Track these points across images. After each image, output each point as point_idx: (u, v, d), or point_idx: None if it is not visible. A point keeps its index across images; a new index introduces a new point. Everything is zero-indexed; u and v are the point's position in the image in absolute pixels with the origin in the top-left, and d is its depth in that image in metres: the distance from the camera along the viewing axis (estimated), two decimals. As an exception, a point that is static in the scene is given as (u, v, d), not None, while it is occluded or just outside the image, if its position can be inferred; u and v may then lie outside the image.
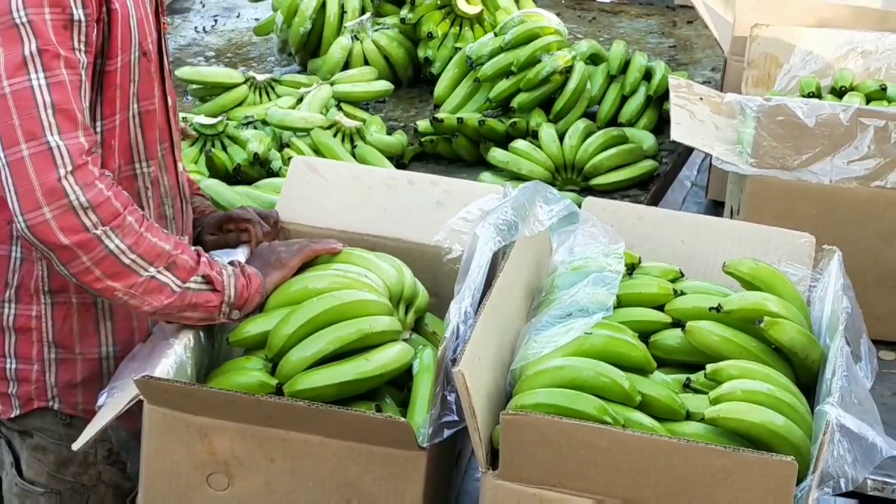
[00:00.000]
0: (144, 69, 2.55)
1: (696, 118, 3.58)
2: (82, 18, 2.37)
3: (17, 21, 2.31)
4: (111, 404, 2.45)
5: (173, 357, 2.50)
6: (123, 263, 2.39)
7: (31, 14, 2.32)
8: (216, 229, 2.90)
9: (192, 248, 2.53)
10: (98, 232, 2.34)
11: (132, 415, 2.43)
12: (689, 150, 4.49)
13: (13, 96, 2.31)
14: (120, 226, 2.36)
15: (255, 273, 2.62)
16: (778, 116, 3.29)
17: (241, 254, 2.77)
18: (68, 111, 2.32)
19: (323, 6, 4.96)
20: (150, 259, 2.42)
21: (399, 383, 2.63)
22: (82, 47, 2.38)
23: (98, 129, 2.50)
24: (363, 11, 4.99)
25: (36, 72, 2.32)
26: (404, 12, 4.85)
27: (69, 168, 2.30)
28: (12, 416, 2.67)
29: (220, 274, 2.54)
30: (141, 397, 2.38)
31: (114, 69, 2.48)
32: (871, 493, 2.89)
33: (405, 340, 2.66)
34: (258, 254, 2.74)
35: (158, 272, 2.44)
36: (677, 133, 3.46)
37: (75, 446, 2.43)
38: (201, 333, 2.60)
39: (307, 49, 5.01)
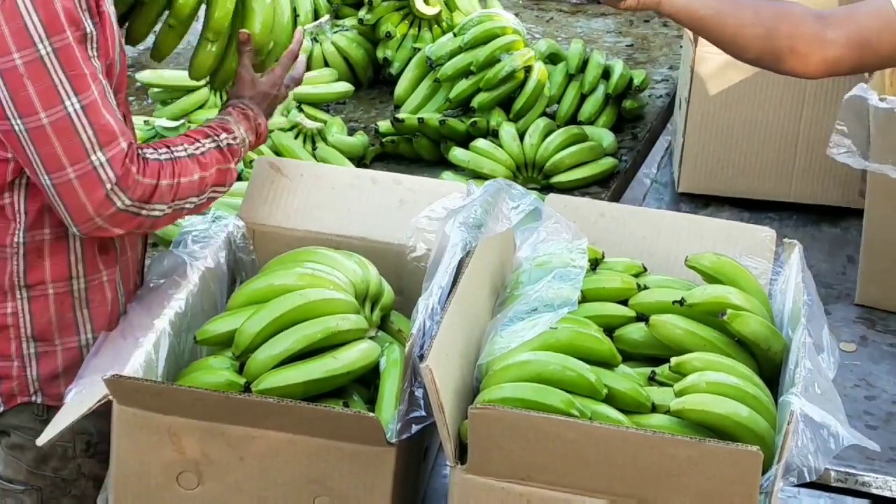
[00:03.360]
0: (123, 64, 2.62)
1: None
2: (93, 30, 2.45)
3: (43, 52, 2.39)
4: (77, 402, 2.45)
5: (143, 356, 2.51)
6: (171, 212, 2.61)
7: (56, 42, 2.40)
8: None
9: (214, 144, 2.72)
10: (144, 213, 2.54)
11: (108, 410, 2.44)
12: (648, 148, 4.52)
13: (52, 126, 2.42)
14: (158, 195, 2.55)
15: (265, 129, 2.91)
16: None
17: None
18: (105, 125, 2.45)
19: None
20: (188, 195, 2.63)
21: (366, 381, 2.64)
22: (96, 53, 2.47)
23: None
24: (316, 14, 4.99)
25: (69, 97, 2.42)
26: (362, 13, 4.86)
27: (114, 181, 2.46)
28: None
29: (239, 154, 2.78)
30: (110, 397, 2.39)
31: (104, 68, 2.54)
32: (834, 485, 2.92)
33: (371, 338, 2.68)
34: (260, 98, 2.95)
35: (200, 199, 2.67)
36: None
37: (39, 441, 2.43)
38: (169, 332, 2.61)
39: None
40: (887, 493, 2.88)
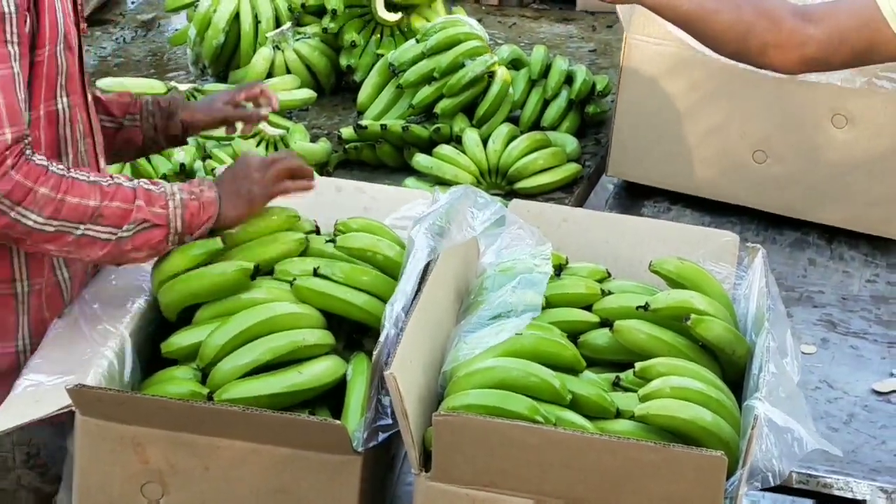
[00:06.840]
0: (70, 63, 2.58)
1: None
2: (13, 11, 2.40)
3: None
4: (30, 399, 2.42)
5: (105, 367, 2.50)
6: (49, 232, 2.46)
7: None
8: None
9: (131, 185, 2.55)
10: (13, 215, 2.42)
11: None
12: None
13: None
14: (33, 202, 2.42)
15: (212, 201, 2.64)
16: None
17: None
18: None
19: (236, 17, 4.94)
20: (76, 219, 2.48)
21: (333, 395, 2.63)
22: (14, 39, 2.42)
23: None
24: (278, 22, 4.98)
25: None
26: (326, 22, 4.85)
27: None
28: None
29: (165, 207, 2.57)
30: (73, 408, 2.37)
31: (41, 60, 2.51)
32: (795, 486, 2.93)
33: (336, 350, 2.67)
34: (230, 175, 2.71)
35: (88, 229, 2.49)
36: None
37: None
38: (133, 340, 2.60)
39: (220, 62, 4.98)
40: (848, 495, 2.90)
